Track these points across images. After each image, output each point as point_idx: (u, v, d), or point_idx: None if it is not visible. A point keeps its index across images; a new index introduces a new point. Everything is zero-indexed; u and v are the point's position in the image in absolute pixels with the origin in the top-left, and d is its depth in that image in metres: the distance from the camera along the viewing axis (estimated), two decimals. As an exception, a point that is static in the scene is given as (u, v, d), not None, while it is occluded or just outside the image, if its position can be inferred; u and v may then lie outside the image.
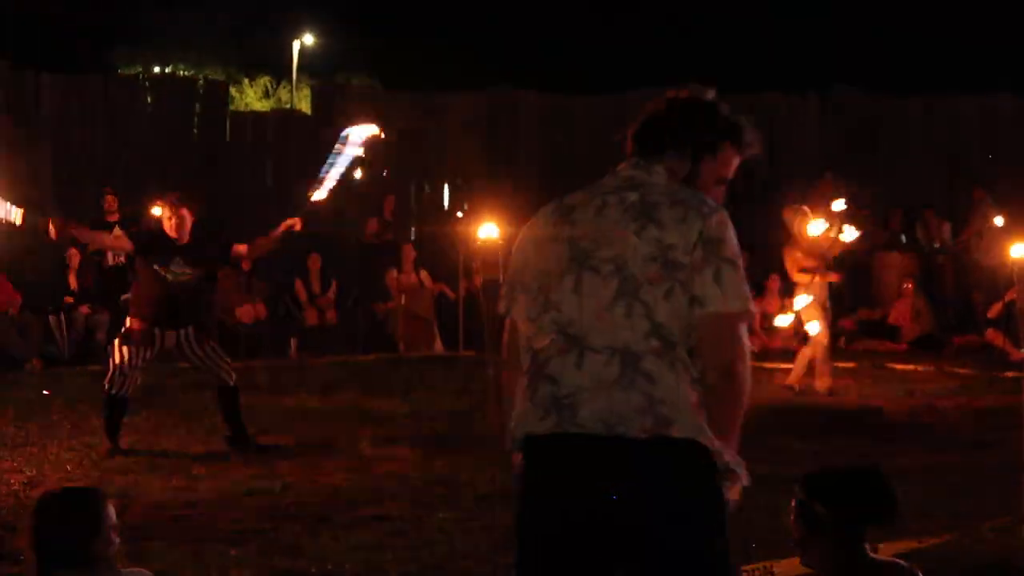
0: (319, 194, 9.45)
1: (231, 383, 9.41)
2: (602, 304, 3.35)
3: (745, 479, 3.36)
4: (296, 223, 9.50)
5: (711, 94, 3.66)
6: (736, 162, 3.66)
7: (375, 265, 17.14)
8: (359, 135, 9.47)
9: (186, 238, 9.37)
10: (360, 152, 9.51)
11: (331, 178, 9.43)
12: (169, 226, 9.34)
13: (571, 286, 3.41)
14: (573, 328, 3.38)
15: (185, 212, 9.40)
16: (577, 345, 3.36)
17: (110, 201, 15.81)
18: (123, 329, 9.36)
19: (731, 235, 3.40)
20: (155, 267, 9.23)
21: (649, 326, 3.31)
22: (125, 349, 9.17)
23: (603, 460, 3.30)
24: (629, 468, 3.27)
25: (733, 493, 3.37)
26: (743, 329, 3.39)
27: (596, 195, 3.52)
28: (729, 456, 3.32)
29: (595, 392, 3.31)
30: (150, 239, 9.46)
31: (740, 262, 3.39)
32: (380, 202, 17.86)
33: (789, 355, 13.35)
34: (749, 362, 3.38)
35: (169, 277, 9.21)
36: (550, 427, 3.36)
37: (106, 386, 9.21)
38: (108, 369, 9.25)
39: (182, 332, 9.27)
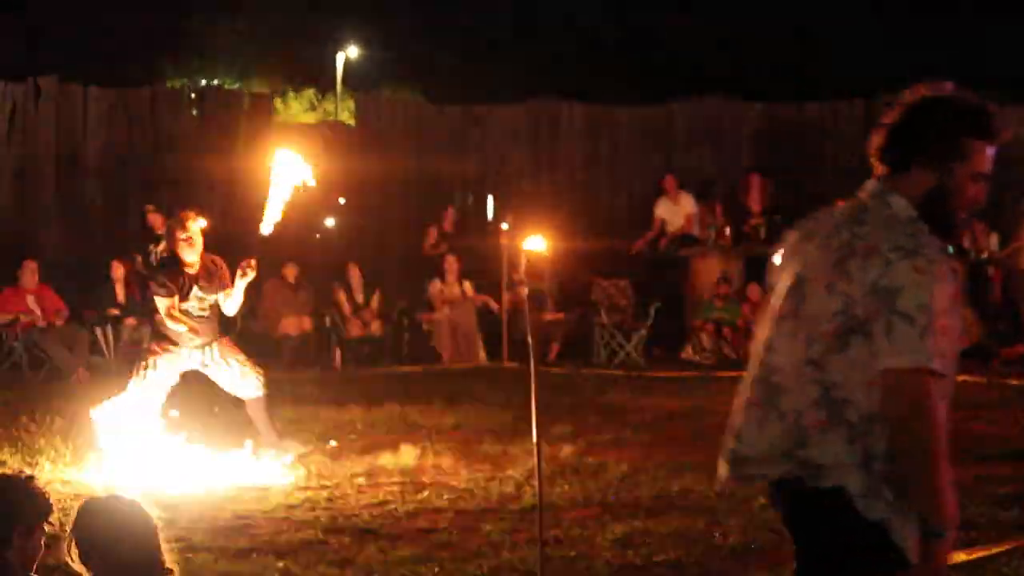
0: (266, 228, 9.12)
1: (262, 392, 9.42)
2: (799, 363, 3.42)
3: (912, 553, 3.32)
4: (249, 267, 9.07)
5: (949, 88, 3.49)
6: (990, 153, 3.51)
7: (418, 276, 17.14)
8: (288, 173, 9.12)
9: (198, 266, 9.26)
10: (293, 182, 9.13)
11: (272, 212, 9.11)
12: (187, 249, 9.18)
13: (788, 331, 3.48)
14: (776, 377, 3.47)
15: (199, 231, 9.27)
16: (770, 400, 3.47)
17: (152, 219, 15.80)
18: (149, 348, 9.41)
19: (917, 284, 3.27)
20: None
21: (820, 391, 3.38)
22: (144, 371, 9.20)
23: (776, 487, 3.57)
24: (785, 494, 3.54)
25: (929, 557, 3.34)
26: (918, 385, 3.27)
27: (828, 230, 3.50)
28: (904, 522, 3.32)
29: (761, 454, 3.49)
30: (168, 278, 9.22)
31: (922, 316, 3.25)
32: (440, 213, 17.88)
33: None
34: (932, 421, 3.28)
35: (189, 321, 9.16)
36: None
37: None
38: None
39: (206, 351, 9.31)
